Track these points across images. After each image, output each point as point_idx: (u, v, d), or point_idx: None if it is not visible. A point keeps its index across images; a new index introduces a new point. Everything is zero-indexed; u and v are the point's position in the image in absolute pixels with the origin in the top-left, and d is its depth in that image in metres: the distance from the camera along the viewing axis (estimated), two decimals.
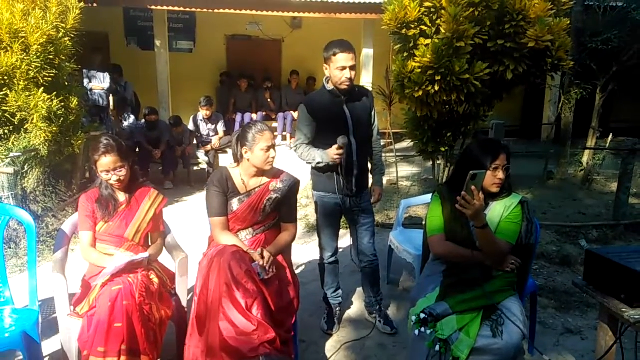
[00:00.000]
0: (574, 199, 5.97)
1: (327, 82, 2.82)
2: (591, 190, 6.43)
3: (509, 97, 4.62)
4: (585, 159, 7.06)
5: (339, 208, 2.93)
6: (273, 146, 2.50)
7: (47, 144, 4.36)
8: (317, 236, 3.08)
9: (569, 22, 4.01)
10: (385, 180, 5.03)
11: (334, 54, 2.69)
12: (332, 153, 2.68)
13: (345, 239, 3.14)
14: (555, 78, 7.10)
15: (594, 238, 4.66)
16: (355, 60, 2.73)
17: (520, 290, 2.36)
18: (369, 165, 3.07)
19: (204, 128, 7.30)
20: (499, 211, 2.24)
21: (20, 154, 4.25)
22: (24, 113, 4.29)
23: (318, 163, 2.80)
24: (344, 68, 2.68)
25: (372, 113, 2.97)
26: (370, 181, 3.10)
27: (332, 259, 3.05)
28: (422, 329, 2.02)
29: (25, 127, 4.34)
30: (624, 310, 1.74)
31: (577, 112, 6.92)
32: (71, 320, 2.28)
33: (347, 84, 2.71)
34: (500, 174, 2.20)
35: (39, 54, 4.35)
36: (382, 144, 3.12)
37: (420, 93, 4.05)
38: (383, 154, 3.61)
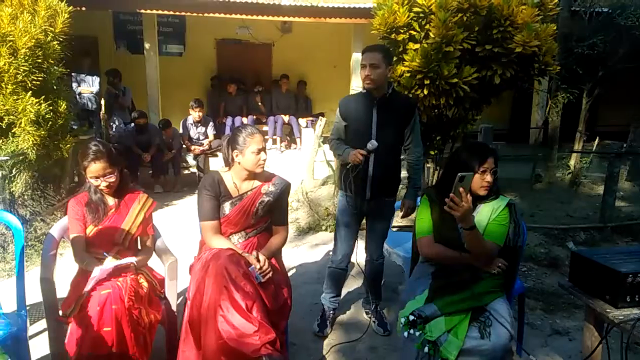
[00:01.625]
0: (562, 202, 6.04)
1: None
2: (579, 193, 6.52)
3: (498, 101, 4.68)
4: (572, 162, 7.16)
5: (355, 210, 2.94)
6: (264, 149, 2.51)
7: (35, 147, 4.33)
8: (333, 238, 3.12)
9: (555, 28, 4.08)
10: None
11: (363, 53, 2.80)
12: (355, 153, 2.72)
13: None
14: (542, 83, 7.20)
15: (581, 240, 4.71)
16: (377, 61, 2.74)
17: (508, 291, 2.39)
18: (403, 173, 3.06)
19: (194, 132, 7.27)
20: (486, 213, 2.27)
21: (8, 158, 4.22)
22: (11, 117, 4.26)
23: (339, 156, 2.88)
24: (364, 66, 2.75)
25: (411, 123, 2.89)
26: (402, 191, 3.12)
27: (342, 264, 3.05)
28: (411, 331, 2.04)
29: (13, 131, 4.30)
30: (608, 310, 1.78)
31: (564, 116, 7.01)
32: (60, 324, 2.26)
33: (367, 82, 2.76)
34: (488, 177, 2.23)
35: (27, 58, 4.32)
36: (421, 157, 3.07)
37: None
38: None
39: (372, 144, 2.73)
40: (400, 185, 3.16)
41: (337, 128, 2.97)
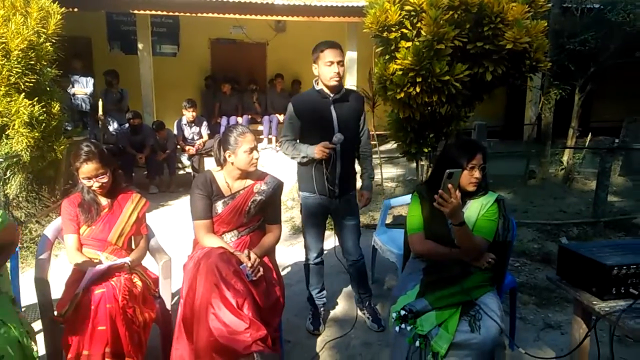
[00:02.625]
0: (555, 198, 6.08)
1: (316, 83, 2.87)
2: (571, 188, 6.56)
3: (491, 98, 4.70)
4: (565, 158, 7.20)
5: (324, 209, 2.97)
6: (255, 147, 2.53)
7: (29, 149, 4.34)
8: (303, 237, 3.12)
9: (546, 24, 4.12)
10: None
11: (322, 51, 2.76)
12: (320, 147, 2.72)
13: (330, 240, 3.17)
14: (535, 79, 7.23)
15: (574, 235, 4.75)
16: (343, 57, 2.78)
17: (499, 286, 2.41)
18: (358, 168, 3.09)
19: (188, 132, 7.29)
20: (475, 209, 2.30)
21: (2, 160, 4.23)
22: (5, 119, 4.27)
23: (303, 157, 2.84)
24: (331, 63, 2.73)
25: (362, 116, 2.98)
26: (359, 184, 3.13)
27: (317, 259, 3.08)
28: (403, 325, 2.07)
29: (6, 132, 4.31)
30: (595, 302, 1.81)
31: (557, 112, 7.05)
32: (55, 324, 2.27)
33: (336, 79, 2.75)
34: (477, 173, 2.26)
35: (19, 60, 4.33)
36: (372, 147, 3.14)
37: (402, 95, 4.12)
38: None
39: (338, 137, 2.74)
40: None
41: (293, 128, 2.91)
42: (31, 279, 2.40)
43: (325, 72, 2.76)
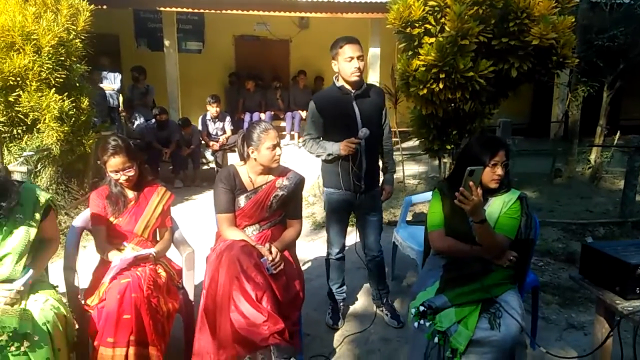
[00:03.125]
0: (582, 197, 5.96)
1: (337, 79, 2.86)
2: (599, 187, 6.41)
3: (517, 95, 4.63)
4: (593, 157, 7.04)
5: (348, 205, 2.98)
6: (278, 144, 2.55)
7: (59, 143, 4.47)
8: (326, 232, 3.13)
9: (574, 20, 4.03)
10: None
11: (341, 47, 2.74)
12: (346, 143, 2.72)
13: (351, 235, 3.18)
14: (562, 76, 7.08)
15: (600, 235, 4.65)
16: (362, 52, 2.76)
17: (520, 284, 2.40)
18: (380, 163, 3.09)
19: (212, 127, 7.39)
20: (497, 206, 2.28)
21: (33, 153, 4.36)
22: (36, 113, 4.40)
23: (328, 155, 2.84)
24: (351, 58, 2.71)
25: (383, 111, 2.98)
26: (381, 179, 3.14)
27: (339, 255, 3.10)
28: (421, 321, 2.07)
29: (37, 127, 4.45)
30: (618, 302, 1.78)
31: (585, 110, 6.89)
32: (82, 312, 2.35)
33: (357, 74, 2.73)
34: (499, 170, 2.23)
35: (50, 56, 4.46)
36: (392, 142, 3.14)
37: (425, 91, 4.09)
38: None
39: (364, 131, 2.72)
40: None
41: (315, 125, 2.91)
42: (60, 268, 2.48)
43: (345, 68, 2.74)
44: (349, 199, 2.94)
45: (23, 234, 2.07)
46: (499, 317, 2.05)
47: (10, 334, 1.80)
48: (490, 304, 2.10)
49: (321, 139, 2.92)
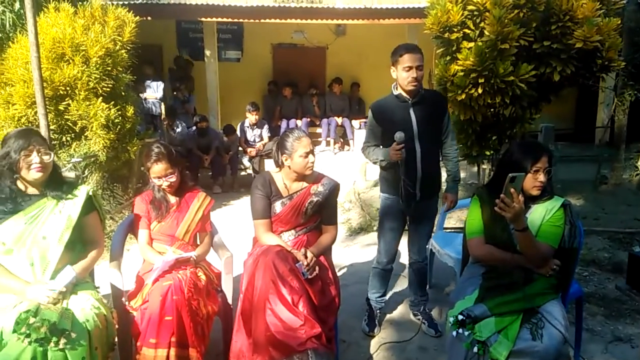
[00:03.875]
0: (629, 205, 5.71)
1: (395, 87, 2.86)
2: None
3: (560, 99, 4.52)
4: None
5: (401, 212, 2.95)
6: (312, 151, 2.57)
7: (105, 150, 4.65)
8: (377, 238, 3.11)
9: (619, 22, 3.90)
10: None
11: (400, 55, 2.74)
12: (392, 149, 2.70)
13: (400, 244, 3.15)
14: (608, 79, 6.84)
15: None
16: (422, 62, 2.74)
17: (564, 294, 2.33)
18: (443, 171, 3.05)
19: (250, 134, 7.52)
20: (540, 214, 2.23)
21: (81, 159, 4.55)
22: (84, 121, 4.60)
23: (381, 161, 2.84)
24: (410, 68, 2.70)
25: (445, 117, 2.92)
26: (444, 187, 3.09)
27: (388, 266, 3.07)
28: (460, 330, 2.04)
29: (85, 134, 4.65)
30: None
31: (632, 115, 6.62)
32: (126, 313, 2.43)
33: (414, 84, 2.72)
34: (541, 177, 2.18)
35: (98, 66, 4.66)
36: (457, 150, 3.06)
37: (463, 96, 4.04)
38: None
39: (398, 135, 2.65)
40: None
41: (373, 134, 2.91)
42: (104, 271, 2.58)
43: (403, 76, 2.73)
44: (403, 206, 2.90)
45: (65, 219, 2.19)
46: (541, 328, 2.00)
47: (50, 329, 1.87)
48: (532, 314, 2.05)
49: (380, 146, 2.92)
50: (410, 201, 2.83)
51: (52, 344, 1.86)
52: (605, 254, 4.20)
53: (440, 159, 3.03)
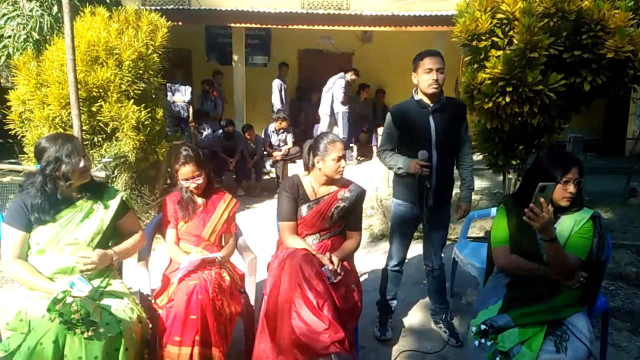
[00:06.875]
0: None
1: (416, 92, 2.87)
2: None
3: (590, 110, 4.43)
4: None
5: (414, 219, 2.96)
6: (344, 156, 2.60)
7: (135, 151, 4.76)
8: (388, 242, 3.13)
9: None
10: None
11: (422, 59, 2.77)
12: (416, 163, 2.71)
13: (412, 249, 3.16)
14: (639, 90, 6.69)
15: None
16: (443, 65, 2.75)
17: (590, 307, 2.29)
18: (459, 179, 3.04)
19: (275, 139, 7.59)
20: (568, 225, 2.20)
21: (111, 159, 4.67)
22: (115, 123, 4.72)
23: (399, 168, 2.85)
24: (430, 70, 2.72)
25: (463, 125, 2.93)
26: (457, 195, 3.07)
27: (397, 268, 3.09)
28: (482, 340, 2.03)
29: (116, 135, 4.76)
30: None
31: None
32: (152, 311, 2.48)
33: (434, 86, 2.72)
34: (571, 188, 2.15)
35: (130, 69, 4.78)
36: (472, 158, 3.05)
37: (490, 105, 4.00)
38: None
39: (422, 154, 2.68)
40: None
41: (391, 138, 2.91)
42: (132, 270, 2.64)
43: (423, 79, 2.74)
44: (416, 213, 2.91)
45: (98, 223, 2.25)
46: (566, 340, 1.97)
47: (83, 317, 1.92)
48: (557, 326, 2.03)
49: (395, 151, 2.93)
50: (421, 208, 2.85)
51: (78, 331, 1.92)
52: (633, 269, 4.11)
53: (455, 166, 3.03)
